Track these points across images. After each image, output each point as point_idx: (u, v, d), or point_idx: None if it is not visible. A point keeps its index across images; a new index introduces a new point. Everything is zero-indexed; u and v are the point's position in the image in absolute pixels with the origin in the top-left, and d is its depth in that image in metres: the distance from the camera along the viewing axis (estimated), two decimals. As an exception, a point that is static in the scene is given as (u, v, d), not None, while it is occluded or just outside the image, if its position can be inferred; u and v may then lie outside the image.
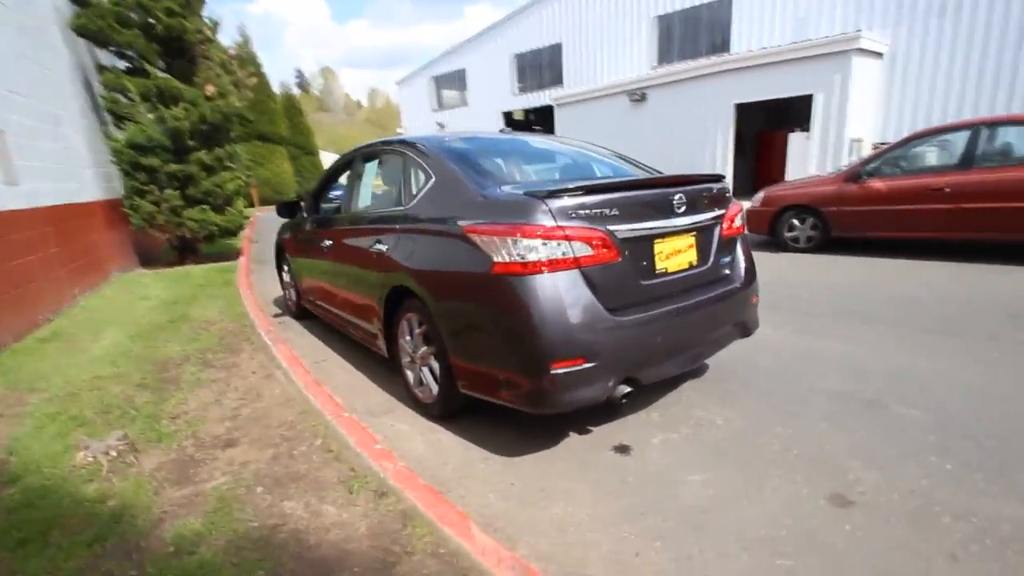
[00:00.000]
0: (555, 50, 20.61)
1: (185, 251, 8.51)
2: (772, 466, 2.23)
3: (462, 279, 2.30)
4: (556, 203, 2.13)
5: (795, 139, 12.82)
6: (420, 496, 1.91)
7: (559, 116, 17.67)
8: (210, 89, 7.64)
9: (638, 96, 14.91)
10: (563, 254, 2.09)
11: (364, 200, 3.52)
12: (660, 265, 2.38)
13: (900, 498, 1.96)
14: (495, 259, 2.13)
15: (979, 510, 1.87)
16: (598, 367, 2.13)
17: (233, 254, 9.48)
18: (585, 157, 3.32)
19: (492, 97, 23.17)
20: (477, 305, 2.25)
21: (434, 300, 2.47)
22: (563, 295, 2.08)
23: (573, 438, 2.55)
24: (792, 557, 1.72)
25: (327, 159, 43.75)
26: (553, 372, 2.06)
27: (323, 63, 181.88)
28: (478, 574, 1.56)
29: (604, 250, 2.16)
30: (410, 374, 2.95)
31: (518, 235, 2.08)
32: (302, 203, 4.50)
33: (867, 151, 13.18)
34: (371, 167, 3.50)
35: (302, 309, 4.92)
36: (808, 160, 12.48)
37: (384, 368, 3.58)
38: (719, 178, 2.72)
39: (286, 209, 4.51)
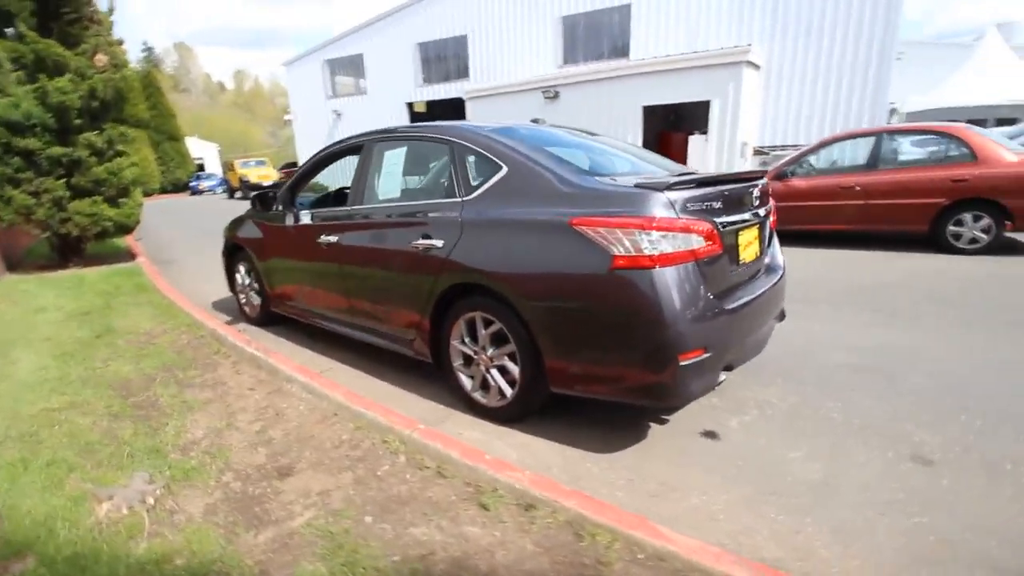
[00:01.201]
0: (460, 42, 20.37)
1: (67, 252, 7.13)
2: (846, 436, 2.44)
3: (568, 275, 2.21)
4: (675, 195, 2.12)
5: (695, 141, 14.01)
6: (582, 503, 1.81)
7: (471, 109, 17.53)
8: (101, 59, 6.44)
9: (552, 94, 15.30)
10: (684, 246, 2.09)
11: (387, 192, 3.20)
12: (742, 255, 2.49)
13: (964, 452, 2.26)
14: (616, 252, 2.08)
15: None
16: (713, 356, 2.17)
17: (124, 255, 8.15)
18: (615, 149, 3.34)
19: (394, 86, 22.31)
20: (590, 301, 2.16)
21: (525, 299, 2.33)
22: (686, 287, 2.09)
23: (656, 428, 2.58)
24: (921, 514, 1.90)
25: (195, 147, 39.07)
26: (680, 364, 2.07)
27: (177, 38, 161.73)
28: (700, 574, 1.52)
29: (712, 242, 2.20)
30: (466, 379, 2.77)
31: (646, 227, 2.04)
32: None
33: (750, 153, 14.87)
34: (393, 156, 3.20)
35: (268, 315, 4.37)
36: (706, 160, 13.72)
37: (406, 373, 3.32)
38: (764, 175, 2.90)
39: (262, 201, 3.96)
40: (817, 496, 2.03)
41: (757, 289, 2.54)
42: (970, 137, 5.80)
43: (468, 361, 2.77)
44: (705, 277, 2.19)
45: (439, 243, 2.67)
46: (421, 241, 2.76)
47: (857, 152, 6.59)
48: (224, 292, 5.45)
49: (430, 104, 23.89)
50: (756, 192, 2.56)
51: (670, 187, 2.13)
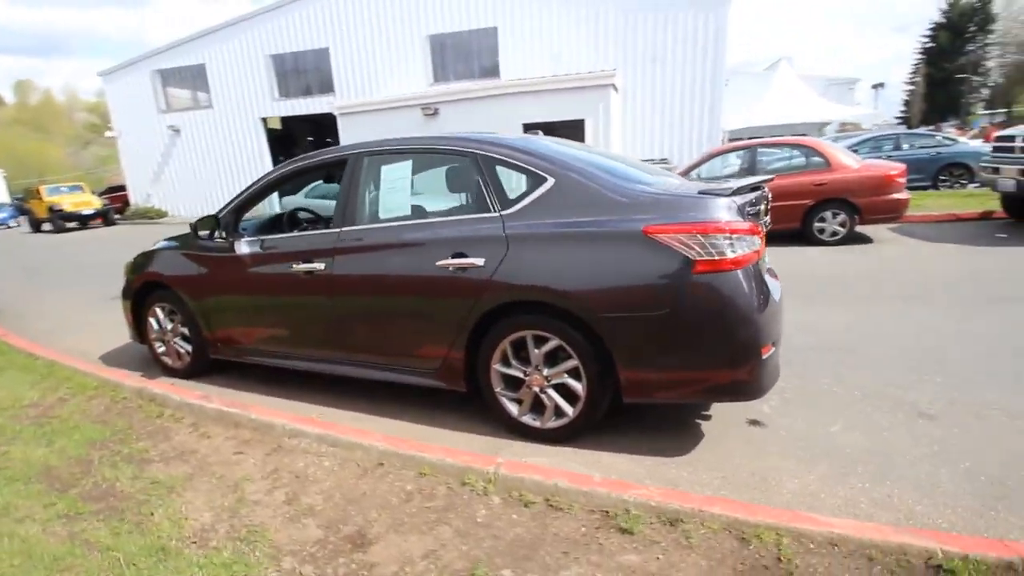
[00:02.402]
0: (321, 55, 19.28)
1: None
2: (859, 405, 2.76)
3: (647, 283, 2.20)
4: (739, 200, 2.25)
5: (571, 155, 14.93)
6: (728, 507, 1.80)
7: (343, 125, 16.65)
8: None
9: (432, 111, 15.18)
10: (750, 248, 2.22)
11: (391, 210, 2.88)
12: (763, 255, 2.71)
13: (953, 405, 2.70)
14: (698, 257, 2.13)
15: (1004, 404, 2.70)
16: (777, 348, 2.33)
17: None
18: (606, 156, 3.40)
19: (245, 100, 20.29)
20: (672, 308, 2.18)
21: (596, 312, 2.27)
22: (757, 286, 2.21)
23: (705, 423, 2.68)
24: (960, 460, 2.23)
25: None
26: (763, 358, 2.18)
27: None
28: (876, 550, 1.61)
29: (763, 242, 2.37)
30: (510, 403, 2.61)
31: (725, 231, 2.13)
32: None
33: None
34: (394, 170, 2.89)
35: (201, 365, 3.67)
36: (584, 173, 14.70)
37: (412, 407, 3.01)
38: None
39: (209, 228, 3.31)
40: (878, 462, 2.27)
41: (776, 284, 2.79)
42: (824, 148, 7.04)
43: (513, 384, 2.61)
44: (761, 276, 2.35)
45: (479, 261, 2.49)
46: (452, 261, 2.55)
47: (737, 162, 7.58)
48: (110, 342, 4.52)
49: (288, 120, 22.22)
50: (768, 196, 2.82)
51: (734, 192, 2.25)
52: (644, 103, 16.80)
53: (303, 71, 19.96)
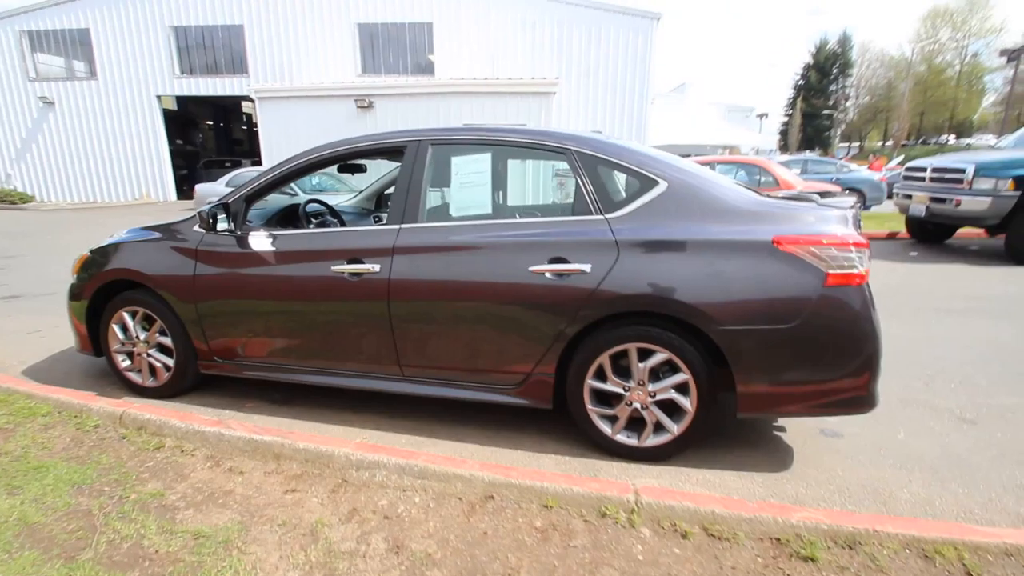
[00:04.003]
0: (235, 32, 17.56)
1: None
2: (905, 411, 2.92)
3: (776, 296, 2.14)
4: (853, 213, 2.26)
5: (511, 159, 14.90)
6: (900, 524, 1.77)
7: (263, 110, 15.22)
8: None
9: (366, 103, 14.38)
10: (869, 261, 2.24)
11: (465, 208, 2.55)
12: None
13: (983, 409, 2.95)
14: (831, 270, 2.11)
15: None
16: None
17: None
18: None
19: (139, 74, 17.89)
20: (800, 321, 2.13)
21: (718, 323, 2.16)
22: (872, 299, 2.24)
23: (783, 435, 2.68)
24: (1014, 455, 2.42)
25: None
26: (878, 372, 2.21)
27: None
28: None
29: None
30: (601, 420, 2.43)
31: (859, 245, 2.13)
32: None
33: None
34: (469, 163, 2.57)
35: (186, 381, 3.07)
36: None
37: (466, 425, 2.73)
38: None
39: (215, 218, 2.73)
40: (959, 467, 2.39)
41: None
42: (772, 168, 7.61)
43: (606, 400, 2.44)
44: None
45: (585, 267, 2.29)
46: (550, 266, 2.32)
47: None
48: (24, 354, 3.74)
49: (185, 101, 19.94)
50: None
51: (851, 207, 2.27)
52: (577, 115, 17.26)
53: (210, 47, 18.08)
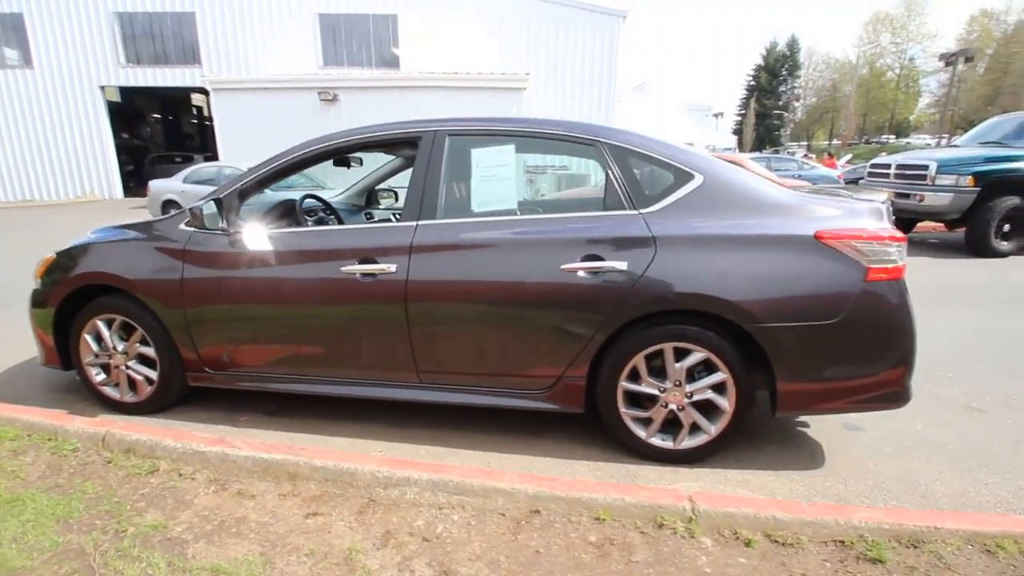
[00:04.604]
0: (185, 20, 16.62)
1: None
2: (917, 402, 2.95)
3: (819, 292, 2.09)
4: (887, 207, 2.24)
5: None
6: (960, 520, 1.75)
7: (218, 103, 14.47)
8: None
9: (330, 96, 13.88)
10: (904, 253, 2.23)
11: (488, 202, 2.38)
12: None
13: (987, 399, 3.02)
14: (872, 265, 2.08)
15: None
16: None
17: None
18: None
19: (80, 63, 16.68)
20: (842, 317, 2.08)
21: (759, 321, 2.11)
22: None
23: (809, 431, 2.66)
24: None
25: None
26: (914, 363, 2.20)
27: None
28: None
29: None
30: (637, 427, 2.34)
31: (896, 240, 2.11)
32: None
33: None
34: (491, 155, 2.41)
35: (172, 394, 2.80)
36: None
37: (484, 430, 2.60)
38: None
39: (210, 215, 2.47)
40: (982, 456, 2.42)
41: None
42: (748, 165, 7.71)
43: (638, 402, 2.35)
44: None
45: (621, 264, 2.18)
46: (583, 264, 2.21)
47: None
48: None
49: (129, 92, 18.74)
50: None
51: (884, 201, 2.25)
52: (545, 110, 17.20)
53: (159, 36, 17.07)
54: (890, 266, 2.10)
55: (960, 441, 2.55)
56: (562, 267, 2.23)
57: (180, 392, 2.84)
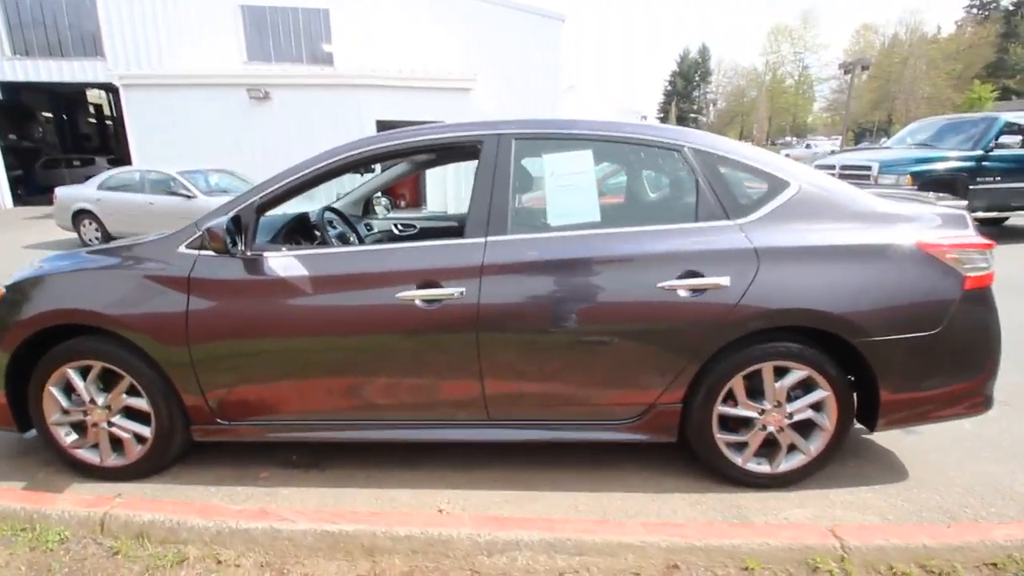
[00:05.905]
0: (84, 7, 14.77)
1: None
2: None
3: (923, 301, 2.03)
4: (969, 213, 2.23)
5: (428, 158, 14.24)
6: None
7: (130, 100, 12.94)
8: None
9: (261, 93, 12.82)
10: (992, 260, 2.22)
11: (566, 215, 2.11)
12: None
13: (1013, 389, 3.13)
14: (970, 274, 2.05)
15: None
16: None
17: None
18: None
19: (-51, 52, 14.40)
20: (944, 326, 2.03)
21: (867, 335, 2.01)
22: (992, 301, 2.23)
23: (874, 439, 2.62)
24: None
25: None
26: (997, 368, 2.20)
27: None
28: None
29: None
30: (732, 453, 2.18)
31: (990, 247, 2.10)
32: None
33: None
34: (566, 162, 2.14)
35: (172, 452, 2.32)
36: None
37: (529, 466, 2.35)
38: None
39: (231, 236, 2.02)
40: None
41: None
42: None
43: (730, 425, 2.19)
44: None
45: (723, 281, 2.01)
46: (683, 282, 2.02)
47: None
48: None
49: (11, 88, 16.37)
50: None
51: (964, 207, 2.24)
52: (490, 112, 16.98)
53: (51, 25, 15.07)
54: (983, 274, 2.08)
55: (1010, 438, 2.61)
56: (658, 285, 2.02)
57: (181, 449, 2.36)
